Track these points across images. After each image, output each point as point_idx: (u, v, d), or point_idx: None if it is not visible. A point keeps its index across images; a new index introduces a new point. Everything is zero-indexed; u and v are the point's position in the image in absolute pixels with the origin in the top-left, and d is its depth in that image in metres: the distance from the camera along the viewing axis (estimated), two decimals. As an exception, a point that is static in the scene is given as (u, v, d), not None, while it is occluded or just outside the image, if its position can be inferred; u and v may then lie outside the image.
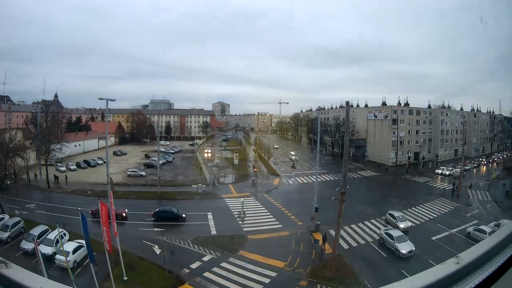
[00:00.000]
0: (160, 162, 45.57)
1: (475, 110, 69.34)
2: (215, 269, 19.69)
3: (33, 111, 63.76)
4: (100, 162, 50.81)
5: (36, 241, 20.07)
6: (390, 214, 27.96)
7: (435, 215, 30.68)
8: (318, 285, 18.35)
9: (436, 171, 50.73)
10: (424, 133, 60.35)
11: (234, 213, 29.38)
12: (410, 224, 26.99)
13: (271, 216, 29.73)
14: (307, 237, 24.89)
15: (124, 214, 27.70)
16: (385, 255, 22.01)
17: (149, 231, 25.82)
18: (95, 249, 18.71)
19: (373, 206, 32.72)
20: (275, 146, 77.27)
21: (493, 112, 72.23)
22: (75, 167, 47.76)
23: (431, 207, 32.89)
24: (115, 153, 60.43)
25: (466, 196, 37.05)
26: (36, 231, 22.36)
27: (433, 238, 24.89)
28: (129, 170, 45.80)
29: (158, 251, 21.21)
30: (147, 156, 58.94)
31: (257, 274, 19.12)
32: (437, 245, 23.59)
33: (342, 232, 23.37)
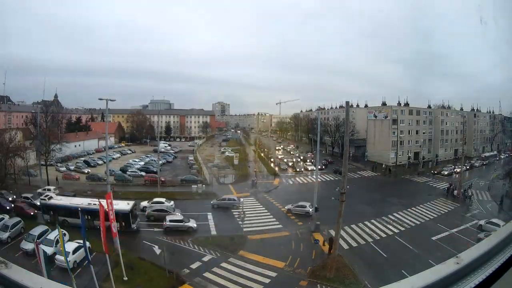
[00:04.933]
0: (160, 162, 45.61)
1: (475, 110, 69.25)
2: (215, 269, 19.70)
3: (33, 111, 63.60)
4: (100, 162, 50.84)
5: (36, 241, 20.05)
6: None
7: (435, 215, 30.68)
8: (318, 285, 18.37)
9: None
10: (424, 133, 60.22)
11: (234, 213, 29.38)
12: None
13: (271, 216, 29.73)
14: (307, 237, 24.90)
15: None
16: (385, 255, 22.01)
17: (149, 231, 25.84)
18: (97, 249, 18.75)
19: (373, 206, 32.72)
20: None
21: (493, 112, 72.18)
22: (74, 167, 47.69)
23: (431, 207, 32.89)
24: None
25: (466, 196, 37.04)
26: (36, 231, 22.35)
27: (433, 238, 24.90)
28: (129, 170, 45.84)
29: (158, 251, 21.20)
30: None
31: (257, 274, 19.13)
32: (437, 245, 23.60)
33: (342, 232, 23.32)
